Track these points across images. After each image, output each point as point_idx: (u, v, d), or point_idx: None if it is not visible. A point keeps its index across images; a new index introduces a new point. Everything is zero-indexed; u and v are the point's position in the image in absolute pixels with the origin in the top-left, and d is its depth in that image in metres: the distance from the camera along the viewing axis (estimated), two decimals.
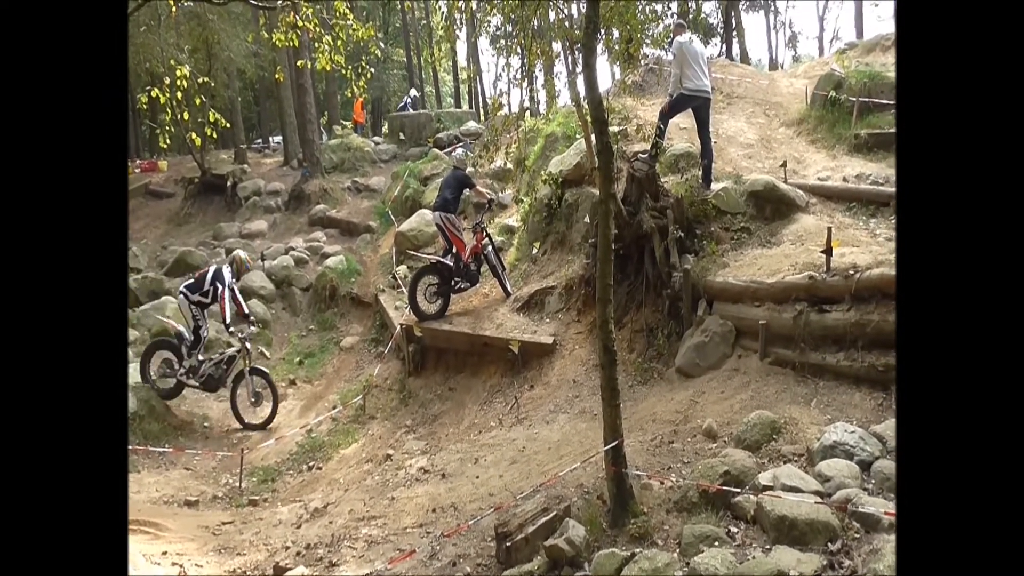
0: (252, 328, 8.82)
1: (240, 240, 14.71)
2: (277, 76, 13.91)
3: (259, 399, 8.64)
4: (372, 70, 8.25)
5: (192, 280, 8.74)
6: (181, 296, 8.64)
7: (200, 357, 8.59)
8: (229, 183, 16.90)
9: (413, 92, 24.42)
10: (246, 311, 8.78)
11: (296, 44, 7.45)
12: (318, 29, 7.11)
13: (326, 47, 7.23)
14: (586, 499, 4.24)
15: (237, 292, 8.78)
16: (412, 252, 10.98)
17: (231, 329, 8.51)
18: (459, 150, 10.68)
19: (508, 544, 3.78)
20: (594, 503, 4.15)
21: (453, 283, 8.63)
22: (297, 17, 6.95)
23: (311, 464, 7.64)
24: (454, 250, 8.63)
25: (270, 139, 27.08)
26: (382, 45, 27.06)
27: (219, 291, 8.48)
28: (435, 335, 8.57)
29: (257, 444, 7.98)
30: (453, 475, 5.62)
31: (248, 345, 8.57)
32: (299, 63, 11.11)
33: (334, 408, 8.73)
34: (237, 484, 7.08)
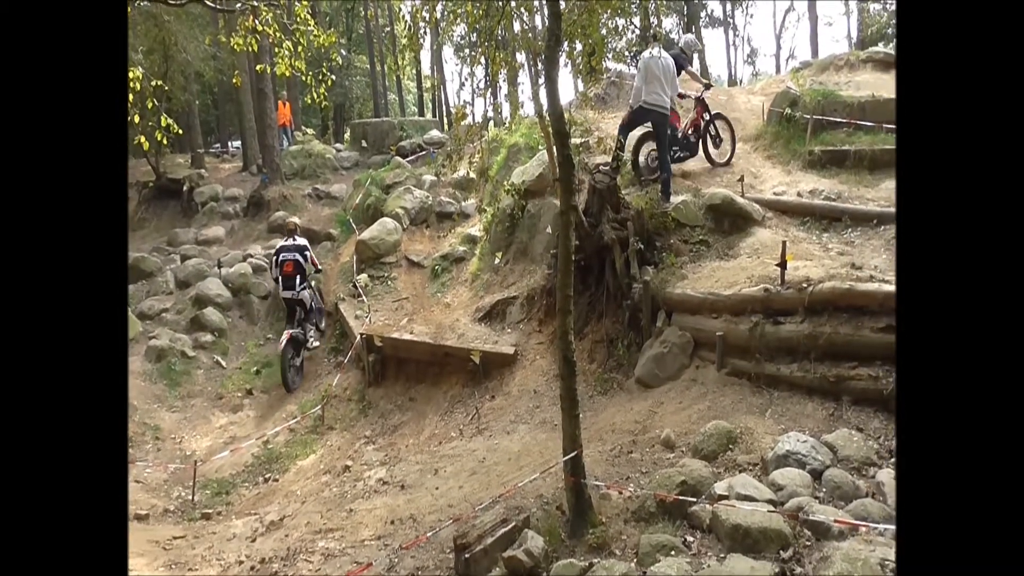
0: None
1: (196, 247, 14.35)
2: (235, 80, 13.73)
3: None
4: (333, 77, 8.18)
5: (296, 278, 9.68)
6: (309, 291, 9.95)
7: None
8: (185, 188, 16.48)
9: None
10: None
11: (255, 49, 7.35)
12: (278, 34, 7.01)
13: (286, 52, 7.14)
14: (545, 510, 4.25)
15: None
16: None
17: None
18: (687, 36, 10.53)
19: (467, 556, 3.77)
20: (553, 514, 4.17)
21: (672, 151, 8.71)
22: (256, 21, 6.85)
23: (267, 476, 7.48)
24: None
25: (229, 144, 26.53)
26: (343, 52, 26.85)
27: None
28: (396, 345, 8.51)
29: (211, 456, 7.80)
30: (412, 486, 5.58)
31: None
32: (259, 67, 10.92)
33: (292, 419, 8.58)
34: (190, 497, 6.90)
